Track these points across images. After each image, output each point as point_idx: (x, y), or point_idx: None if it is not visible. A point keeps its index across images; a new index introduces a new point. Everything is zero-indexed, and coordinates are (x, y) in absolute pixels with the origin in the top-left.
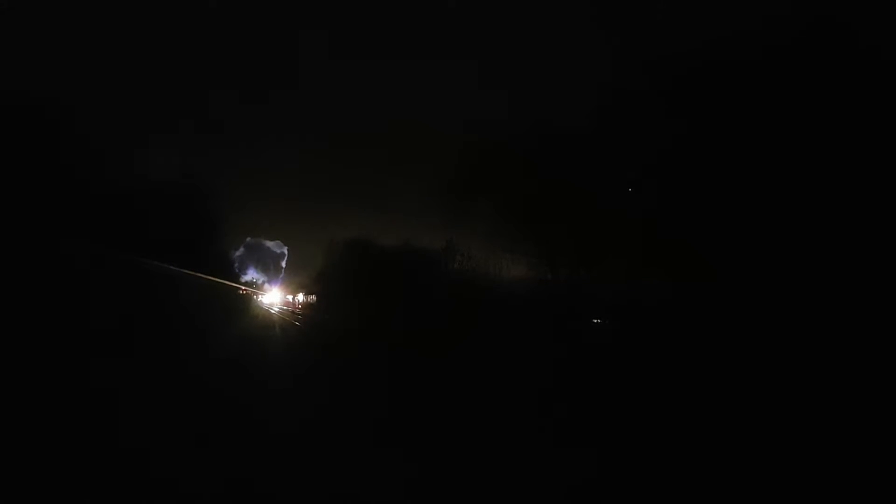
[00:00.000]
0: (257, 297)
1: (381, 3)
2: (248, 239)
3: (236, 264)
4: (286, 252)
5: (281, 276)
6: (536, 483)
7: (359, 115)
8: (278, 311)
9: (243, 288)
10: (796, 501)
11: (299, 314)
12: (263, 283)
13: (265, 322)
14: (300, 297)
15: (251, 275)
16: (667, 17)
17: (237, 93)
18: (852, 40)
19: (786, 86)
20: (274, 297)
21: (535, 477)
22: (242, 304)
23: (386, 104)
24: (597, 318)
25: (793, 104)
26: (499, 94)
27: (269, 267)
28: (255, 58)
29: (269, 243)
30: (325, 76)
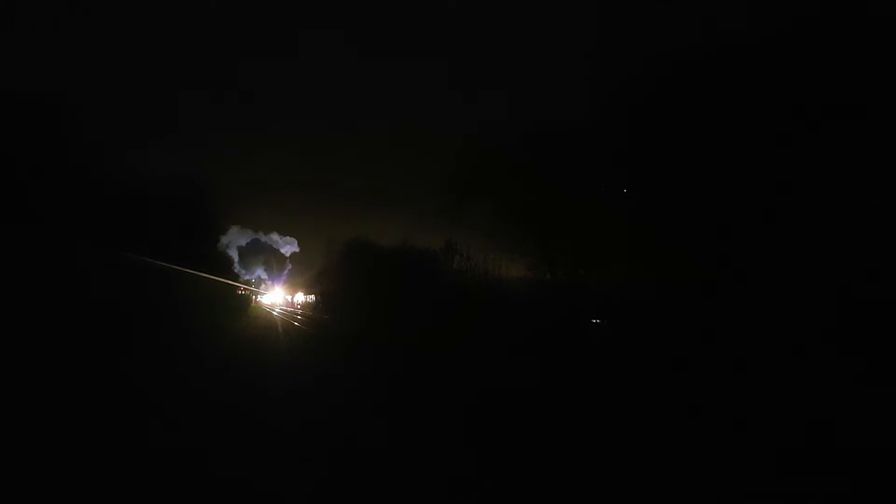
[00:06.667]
0: (256, 298)
1: (381, 3)
2: (238, 232)
3: (236, 262)
4: (294, 245)
5: (284, 274)
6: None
7: (358, 115)
8: (280, 313)
9: (243, 287)
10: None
11: (299, 315)
12: (265, 281)
13: (267, 323)
14: (300, 296)
15: (254, 273)
16: (661, 16)
17: (237, 92)
18: (845, 36)
19: (777, 83)
20: (276, 297)
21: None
22: (242, 304)
23: (385, 105)
24: (595, 319)
25: (784, 100)
26: (498, 94)
27: (272, 265)
28: (255, 58)
29: (273, 239)
30: (324, 76)
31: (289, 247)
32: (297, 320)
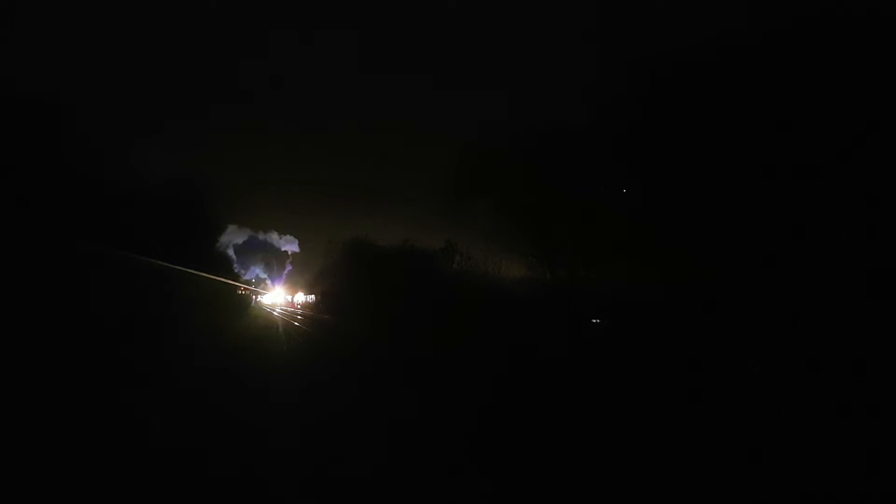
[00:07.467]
0: (256, 298)
1: (381, 3)
2: (235, 231)
3: (236, 261)
4: (294, 244)
5: (284, 274)
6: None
7: (359, 116)
8: (280, 313)
9: (242, 287)
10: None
11: (299, 315)
12: (264, 281)
13: (267, 323)
14: (300, 296)
15: (253, 273)
16: (657, 18)
17: (236, 91)
18: (836, 38)
19: (777, 82)
20: (276, 297)
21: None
22: (242, 304)
23: (385, 104)
24: (595, 319)
25: (784, 99)
26: (498, 94)
27: (272, 264)
28: (255, 57)
29: (272, 237)
30: (324, 75)
31: (289, 245)
32: (297, 320)
